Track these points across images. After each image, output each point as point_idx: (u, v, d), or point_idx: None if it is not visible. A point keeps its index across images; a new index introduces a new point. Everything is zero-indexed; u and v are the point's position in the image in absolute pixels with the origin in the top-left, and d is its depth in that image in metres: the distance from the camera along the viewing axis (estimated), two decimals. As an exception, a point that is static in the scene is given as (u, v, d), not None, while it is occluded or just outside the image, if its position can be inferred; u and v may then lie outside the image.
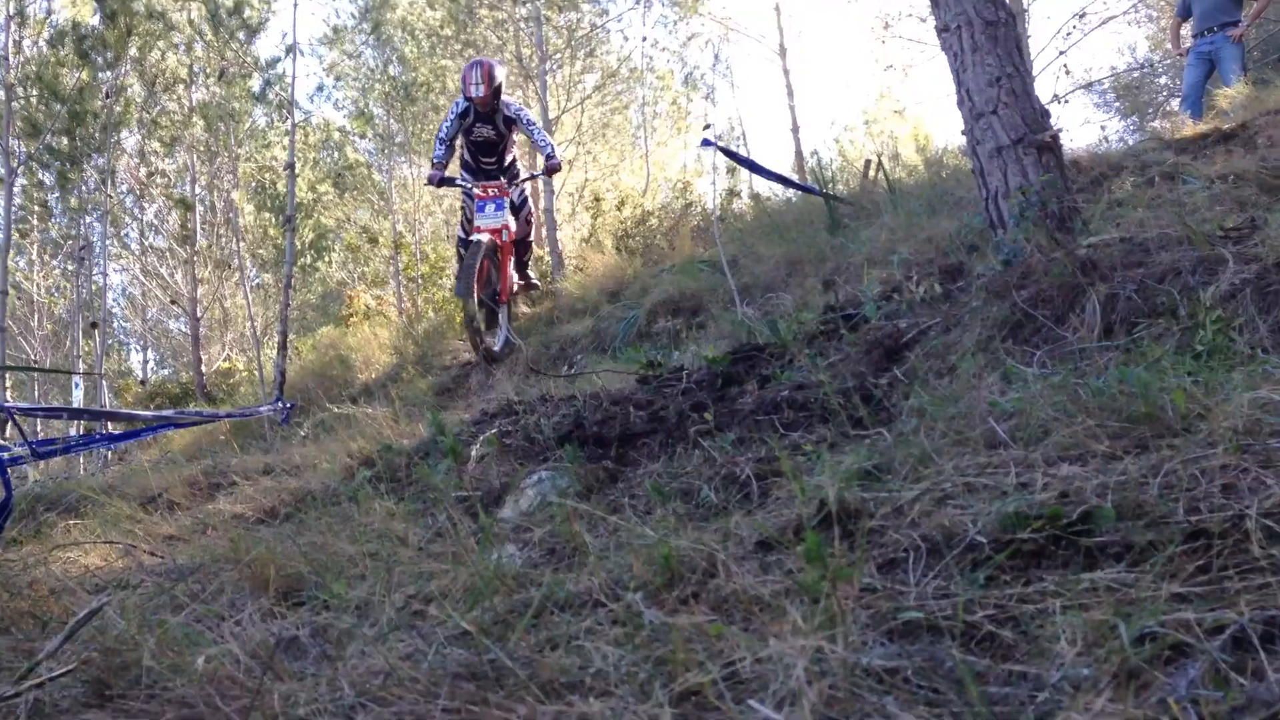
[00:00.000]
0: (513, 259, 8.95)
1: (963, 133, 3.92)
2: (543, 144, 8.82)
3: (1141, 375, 2.13)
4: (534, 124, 8.90)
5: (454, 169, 9.24)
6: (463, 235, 9.09)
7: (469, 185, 8.74)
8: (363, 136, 19.06)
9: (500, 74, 8.67)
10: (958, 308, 3.28)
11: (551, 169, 8.78)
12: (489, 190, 8.45)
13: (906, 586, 1.56)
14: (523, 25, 14.85)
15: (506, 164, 9.13)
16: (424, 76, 17.39)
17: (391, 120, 18.05)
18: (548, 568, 2.20)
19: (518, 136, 9.04)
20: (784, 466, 2.38)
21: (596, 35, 16.84)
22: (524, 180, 9.17)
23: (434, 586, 2.02)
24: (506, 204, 8.44)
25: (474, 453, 3.40)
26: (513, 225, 8.63)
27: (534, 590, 1.88)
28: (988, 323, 3.01)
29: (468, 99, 8.56)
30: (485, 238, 8.05)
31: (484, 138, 8.87)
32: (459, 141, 8.98)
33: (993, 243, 3.63)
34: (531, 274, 9.69)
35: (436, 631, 1.70)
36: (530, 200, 9.42)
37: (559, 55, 15.43)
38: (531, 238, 9.54)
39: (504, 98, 8.80)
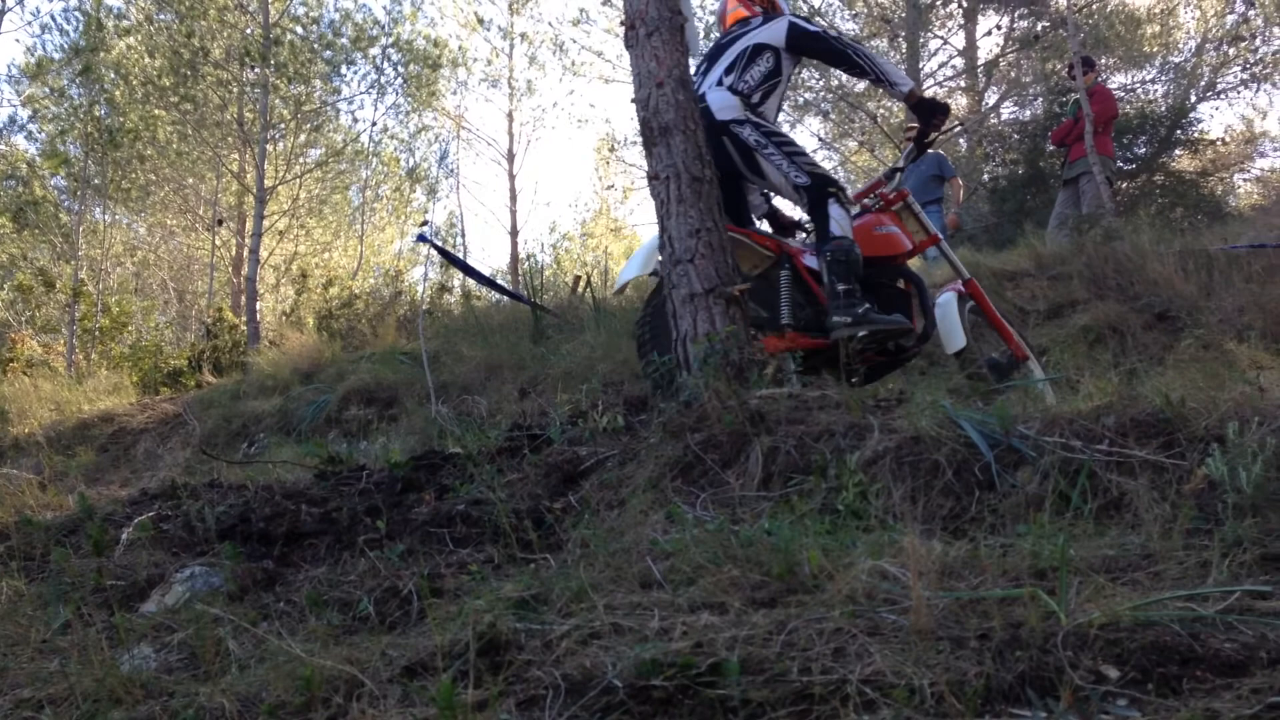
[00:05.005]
0: None
1: (662, 277, 4.15)
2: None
3: (784, 530, 2.31)
4: None
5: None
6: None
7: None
8: (54, 175, 17.75)
9: None
10: (637, 441, 3.43)
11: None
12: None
13: (541, 727, 1.60)
14: (248, 90, 14.45)
15: None
16: (132, 123, 16.44)
17: (91, 163, 16.91)
18: (185, 674, 2.10)
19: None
20: (423, 593, 2.39)
21: (325, 112, 16.61)
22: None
23: (50, 690, 1.88)
24: None
25: (124, 537, 3.20)
26: None
27: (160, 702, 1.79)
28: (661, 461, 3.16)
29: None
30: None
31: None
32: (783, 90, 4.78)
33: (677, 382, 3.83)
34: None
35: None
36: None
37: (283, 125, 15.06)
38: None
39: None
